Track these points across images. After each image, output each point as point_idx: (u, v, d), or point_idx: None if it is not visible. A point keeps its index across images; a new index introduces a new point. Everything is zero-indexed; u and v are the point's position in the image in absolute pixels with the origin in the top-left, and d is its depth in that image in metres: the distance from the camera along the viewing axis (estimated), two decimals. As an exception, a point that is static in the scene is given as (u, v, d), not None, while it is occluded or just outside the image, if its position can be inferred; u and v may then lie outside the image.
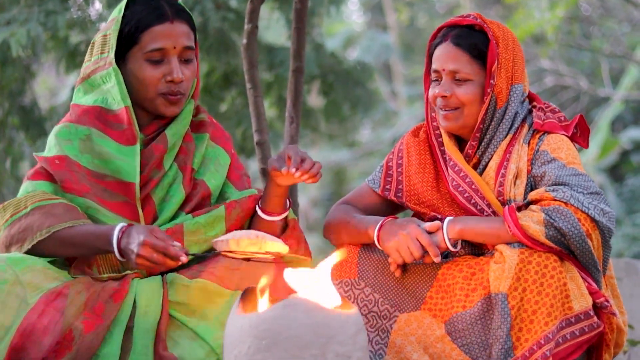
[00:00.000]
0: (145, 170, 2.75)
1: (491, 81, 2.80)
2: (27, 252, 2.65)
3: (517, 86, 2.84)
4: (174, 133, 2.78)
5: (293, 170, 2.63)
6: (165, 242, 2.51)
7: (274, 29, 7.84)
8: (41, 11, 5.23)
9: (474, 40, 2.82)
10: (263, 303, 2.23)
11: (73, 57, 5.88)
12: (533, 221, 2.62)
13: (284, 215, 2.81)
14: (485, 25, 2.82)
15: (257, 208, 2.80)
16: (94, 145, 2.73)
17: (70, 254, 2.67)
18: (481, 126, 2.83)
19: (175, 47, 2.72)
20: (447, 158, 2.87)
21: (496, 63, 2.79)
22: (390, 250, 2.74)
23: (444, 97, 2.83)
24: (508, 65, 2.82)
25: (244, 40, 3.84)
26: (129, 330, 2.58)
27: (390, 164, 2.99)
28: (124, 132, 2.73)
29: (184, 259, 2.50)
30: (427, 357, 2.71)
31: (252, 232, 2.51)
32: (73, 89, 6.52)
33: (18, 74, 5.97)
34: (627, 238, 9.56)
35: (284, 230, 2.85)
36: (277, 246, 2.52)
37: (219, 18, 5.70)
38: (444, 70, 2.83)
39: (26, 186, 2.75)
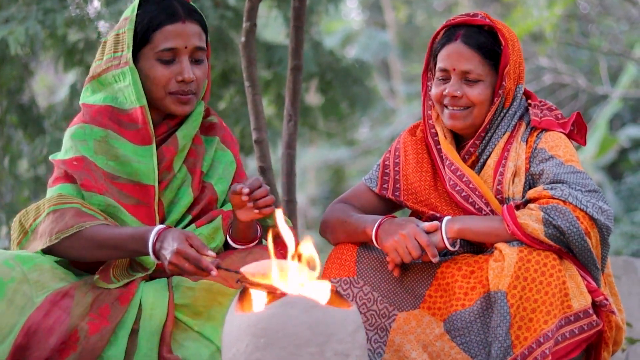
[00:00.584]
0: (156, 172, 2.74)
1: (503, 83, 2.79)
2: (52, 254, 2.61)
3: (521, 86, 2.84)
4: (185, 135, 2.77)
5: (246, 190, 2.58)
6: (201, 250, 2.47)
7: (273, 27, 7.85)
8: (39, 9, 5.22)
9: (484, 40, 2.80)
10: (261, 301, 2.23)
11: (71, 55, 5.87)
12: (532, 219, 2.61)
13: (250, 245, 2.76)
14: (496, 26, 2.80)
15: (227, 236, 2.77)
16: (110, 148, 2.71)
17: (98, 257, 2.61)
18: (487, 126, 2.82)
19: (186, 47, 2.70)
20: (444, 157, 2.86)
21: (508, 65, 2.79)
22: (388, 249, 2.73)
23: (454, 97, 2.81)
24: (516, 66, 2.81)
25: (243, 39, 3.83)
26: (134, 333, 2.57)
27: (387, 162, 2.98)
28: (139, 131, 2.71)
29: (214, 273, 2.45)
30: (426, 355, 2.71)
31: (279, 264, 2.34)
32: (71, 87, 6.50)
33: (16, 72, 5.97)
34: (626, 236, 9.55)
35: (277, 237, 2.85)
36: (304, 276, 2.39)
37: (218, 16, 5.70)
38: (454, 69, 2.81)
39: (49, 193, 2.72)
